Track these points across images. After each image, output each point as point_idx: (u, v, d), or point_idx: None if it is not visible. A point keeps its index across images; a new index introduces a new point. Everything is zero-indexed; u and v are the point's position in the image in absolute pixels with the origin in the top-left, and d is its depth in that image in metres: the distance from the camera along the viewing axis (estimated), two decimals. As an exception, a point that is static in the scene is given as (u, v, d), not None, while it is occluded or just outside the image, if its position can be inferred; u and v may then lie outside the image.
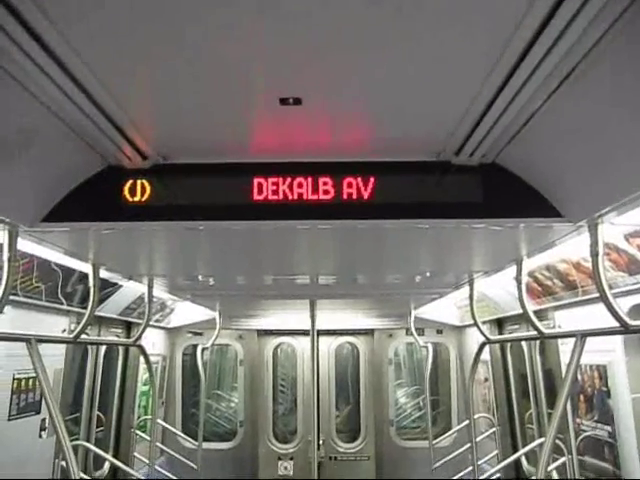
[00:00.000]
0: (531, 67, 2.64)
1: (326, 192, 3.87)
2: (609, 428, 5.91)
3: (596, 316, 4.53)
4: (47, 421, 6.59)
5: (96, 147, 3.63)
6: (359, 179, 3.87)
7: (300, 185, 3.87)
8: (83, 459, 8.13)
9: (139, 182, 3.89)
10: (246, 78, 2.85)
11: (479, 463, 7.89)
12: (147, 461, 8.58)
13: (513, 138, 3.52)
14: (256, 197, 3.88)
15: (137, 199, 3.88)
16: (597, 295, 4.01)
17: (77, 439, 7.95)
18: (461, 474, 9.86)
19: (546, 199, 3.85)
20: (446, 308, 10.57)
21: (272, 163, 3.87)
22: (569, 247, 4.68)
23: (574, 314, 6.08)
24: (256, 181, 3.88)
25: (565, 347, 6.51)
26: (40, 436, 6.61)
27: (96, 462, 8.59)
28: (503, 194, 3.88)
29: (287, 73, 2.81)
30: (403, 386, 12.95)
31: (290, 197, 3.88)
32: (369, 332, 12.52)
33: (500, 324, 8.96)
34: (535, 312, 5.41)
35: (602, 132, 3.01)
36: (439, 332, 12.05)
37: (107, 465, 8.91)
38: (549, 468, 4.31)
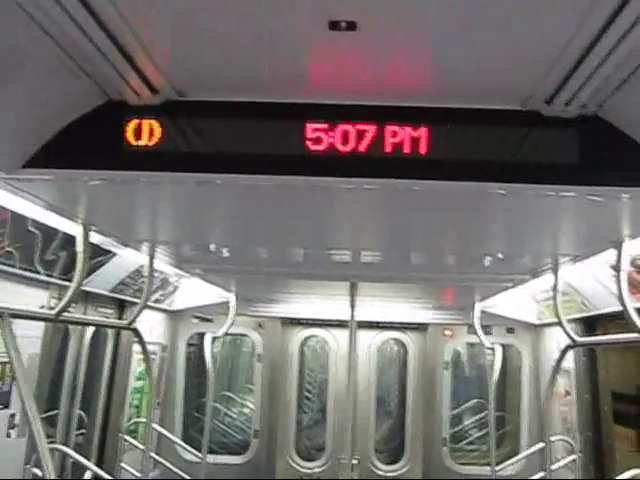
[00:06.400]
0: None
1: (382, 144, 3.84)
2: None
3: None
4: (17, 417, 6.70)
5: (94, 76, 3.64)
6: (423, 129, 3.84)
7: (346, 133, 3.85)
8: (59, 467, 8.26)
9: (146, 122, 3.91)
10: None
11: (554, 498, 7.91)
12: (137, 474, 8.70)
13: (623, 84, 3.46)
14: (291, 147, 3.88)
15: (143, 143, 3.91)
16: None
17: (53, 442, 8.07)
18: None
19: None
20: (521, 301, 10.53)
21: (314, 104, 3.87)
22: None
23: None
24: (292, 126, 3.88)
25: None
26: (8, 435, 6.73)
27: (74, 471, 8.71)
28: (605, 155, 3.84)
29: None
30: (461, 397, 12.97)
31: (334, 148, 3.86)
32: (421, 327, 12.56)
33: (589, 325, 8.90)
34: (637, 310, 5.36)
35: None
36: (510, 331, 12.02)
37: (88, 475, 9.04)
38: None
